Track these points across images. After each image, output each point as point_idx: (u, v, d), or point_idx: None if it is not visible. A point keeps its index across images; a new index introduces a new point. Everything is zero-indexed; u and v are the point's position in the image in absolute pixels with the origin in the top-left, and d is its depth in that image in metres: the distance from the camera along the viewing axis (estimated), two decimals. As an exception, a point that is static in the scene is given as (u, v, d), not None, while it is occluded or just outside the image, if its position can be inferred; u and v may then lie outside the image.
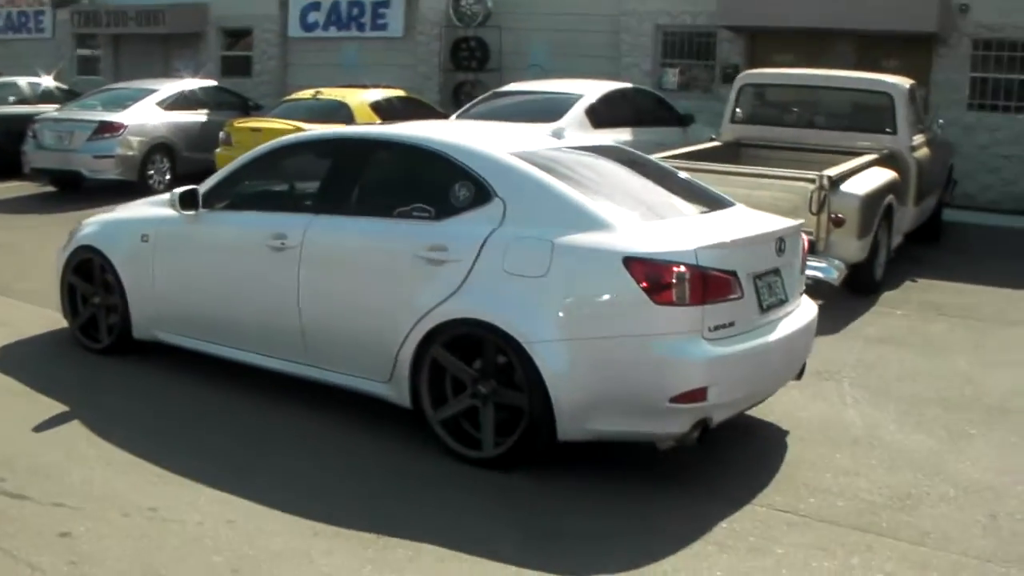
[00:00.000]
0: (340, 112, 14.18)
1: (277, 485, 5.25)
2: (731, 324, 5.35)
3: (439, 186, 5.85)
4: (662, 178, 6.43)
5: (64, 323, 7.84)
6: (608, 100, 13.00)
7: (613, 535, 4.90)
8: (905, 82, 11.47)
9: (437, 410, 5.69)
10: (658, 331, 5.15)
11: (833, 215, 9.02)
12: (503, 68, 19.01)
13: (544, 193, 5.60)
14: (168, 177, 15.58)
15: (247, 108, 17.27)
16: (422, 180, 6.06)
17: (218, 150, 14.17)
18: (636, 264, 5.15)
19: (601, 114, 12.64)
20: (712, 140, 11.82)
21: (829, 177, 9.04)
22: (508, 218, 5.54)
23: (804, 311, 6.10)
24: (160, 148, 15.43)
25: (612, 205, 5.62)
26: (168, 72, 21.83)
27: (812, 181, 9.01)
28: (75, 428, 5.96)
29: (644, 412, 5.23)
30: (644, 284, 5.12)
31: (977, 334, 8.86)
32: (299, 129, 13.03)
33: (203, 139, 16.05)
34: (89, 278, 7.49)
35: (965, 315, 9.49)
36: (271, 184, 6.98)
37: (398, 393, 5.84)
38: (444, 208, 5.78)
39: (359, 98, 14.62)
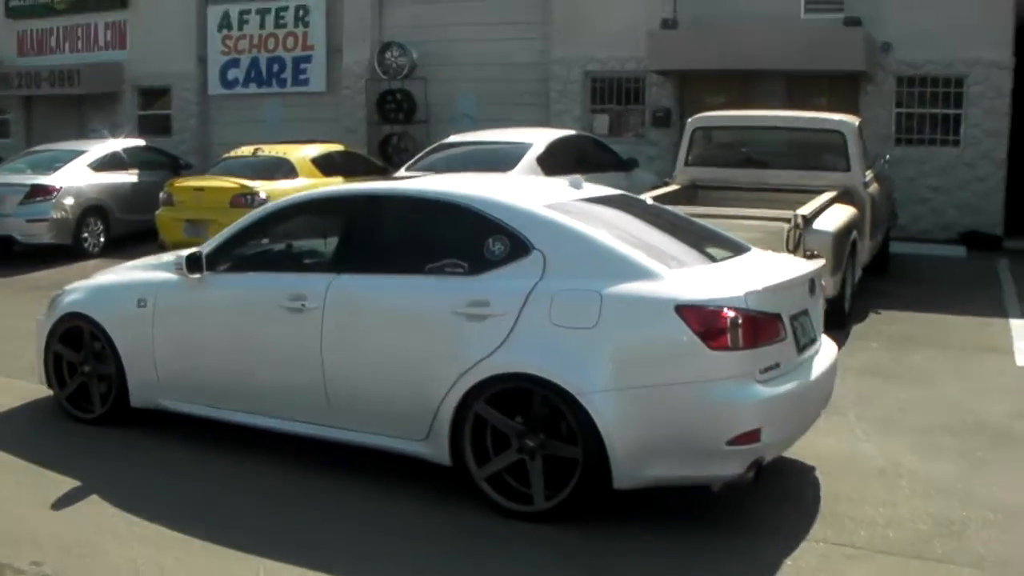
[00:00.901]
0: (282, 168, 14.03)
1: (338, 554, 5.08)
2: (777, 366, 5.40)
3: (471, 240, 5.78)
4: (680, 225, 6.47)
5: (42, 393, 7.58)
6: (556, 148, 13.06)
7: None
8: (854, 120, 11.79)
9: (481, 467, 5.58)
10: (713, 376, 5.17)
11: (808, 252, 9.13)
12: (430, 119, 19.02)
13: (584, 244, 5.58)
14: (102, 240, 15.19)
15: (177, 167, 17.00)
16: (452, 235, 5.97)
17: (159, 211, 13.82)
18: (689, 311, 5.15)
19: (551, 162, 12.68)
20: (666, 183, 11.93)
21: (804, 216, 9.18)
22: (549, 270, 5.50)
23: (827, 349, 6.17)
24: (93, 210, 15.07)
25: (649, 254, 5.60)
26: (83, 134, 21.31)
27: (788, 220, 9.13)
28: (95, 503, 5.70)
29: (701, 456, 5.23)
30: (698, 330, 5.13)
31: (956, 363, 9.06)
32: (244, 187, 12.92)
33: (136, 200, 15.75)
34: (77, 346, 7.20)
35: (937, 344, 9.70)
36: (281, 244, 6.79)
37: (436, 451, 5.72)
38: (478, 263, 5.70)
39: (300, 153, 14.48)
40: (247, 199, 13.16)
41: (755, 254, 6.24)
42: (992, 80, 15.56)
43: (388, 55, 18.93)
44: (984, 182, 15.77)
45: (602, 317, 5.28)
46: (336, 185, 7.25)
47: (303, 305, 6.05)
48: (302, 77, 20.00)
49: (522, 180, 6.97)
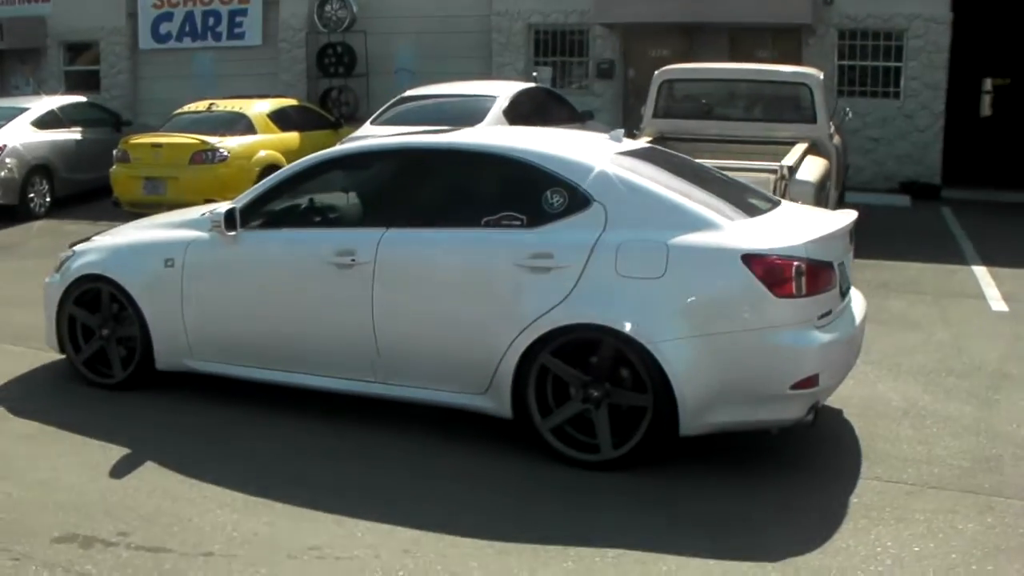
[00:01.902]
0: (239, 123, 13.81)
1: (422, 507, 5.12)
2: (829, 312, 5.58)
3: (528, 193, 5.82)
4: (712, 177, 6.57)
5: (48, 358, 7.49)
6: (519, 100, 13.09)
7: (764, 517, 5.07)
8: (819, 73, 12.04)
9: (545, 418, 5.66)
10: (778, 323, 5.34)
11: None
12: (370, 73, 18.84)
13: (644, 197, 5.68)
14: (48, 200, 14.77)
15: (119, 124, 16.53)
16: (508, 188, 6.01)
17: (113, 169, 13.51)
18: (755, 260, 5.31)
19: (515, 114, 12.71)
20: (635, 136, 12.04)
21: (789, 166, 9.40)
22: (611, 222, 5.58)
23: (858, 298, 6.38)
24: (39, 170, 14.58)
25: (705, 205, 5.72)
26: (5, 90, 20.64)
27: (774, 171, 9.33)
28: (154, 470, 5.59)
29: (765, 401, 5.41)
30: (764, 279, 5.29)
31: (936, 309, 9.42)
32: (205, 143, 12.71)
33: (81, 159, 15.35)
34: (93, 309, 7.04)
35: (913, 291, 10.07)
36: (321, 199, 6.67)
37: (496, 404, 5.79)
38: (537, 216, 5.76)
39: (256, 109, 14.25)
40: (208, 155, 12.96)
41: (790, 206, 6.40)
42: (931, 34, 16.01)
43: (328, 8, 18.67)
44: (923, 133, 16.25)
45: (669, 267, 5.40)
46: (375, 139, 7.12)
47: (353, 260, 6.02)
48: (237, 31, 19.61)
49: (569, 133, 6.97)
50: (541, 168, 5.82)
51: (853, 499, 5.30)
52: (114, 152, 13.62)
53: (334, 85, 18.85)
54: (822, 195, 9.95)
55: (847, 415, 6.55)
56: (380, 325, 5.99)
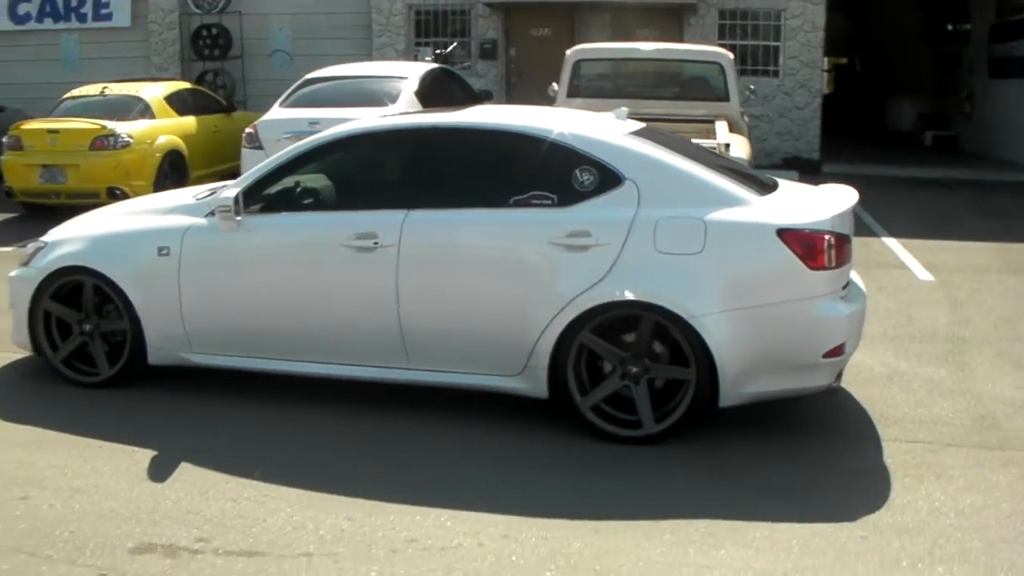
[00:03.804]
0: (136, 107, 13.31)
1: (491, 495, 5.09)
2: (848, 284, 5.85)
3: (558, 172, 5.86)
4: (713, 157, 6.73)
5: (8, 358, 7.17)
6: (426, 82, 13.02)
7: (821, 481, 5.30)
8: (729, 53, 12.39)
9: (584, 396, 5.74)
10: (812, 294, 5.58)
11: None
12: (244, 55, 18.44)
13: (675, 174, 5.81)
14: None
15: (-7, 110, 15.71)
16: (537, 167, 5.99)
17: (5, 157, 12.85)
18: (789, 235, 5.52)
19: (425, 96, 12.66)
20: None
21: (726, 143, 9.69)
22: (644, 200, 5.70)
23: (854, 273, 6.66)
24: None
25: (730, 182, 5.88)
26: None
27: (713, 149, 9.58)
28: (194, 470, 5.37)
29: (798, 370, 5.65)
30: (799, 252, 5.51)
31: (868, 278, 9.53)
32: (105, 128, 12.25)
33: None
34: (73, 303, 6.72)
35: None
36: (329, 181, 6.49)
37: (532, 385, 5.83)
38: (568, 194, 5.81)
39: (151, 92, 13.75)
40: (110, 141, 12.45)
41: (790, 184, 6.62)
42: (807, 15, 16.68)
43: (202, -12, 18.15)
44: (802, 110, 16.93)
45: (707, 243, 5.55)
46: (389, 117, 6.95)
47: (375, 243, 5.94)
48: (104, 12, 18.82)
49: (582, 112, 7.01)
50: (570, 147, 5.87)
51: (887, 459, 5.59)
52: (3, 139, 12.90)
53: (209, 68, 18.36)
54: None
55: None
56: (406, 309, 5.93)
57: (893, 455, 5.64)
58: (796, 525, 4.75)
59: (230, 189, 6.32)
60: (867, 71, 27.97)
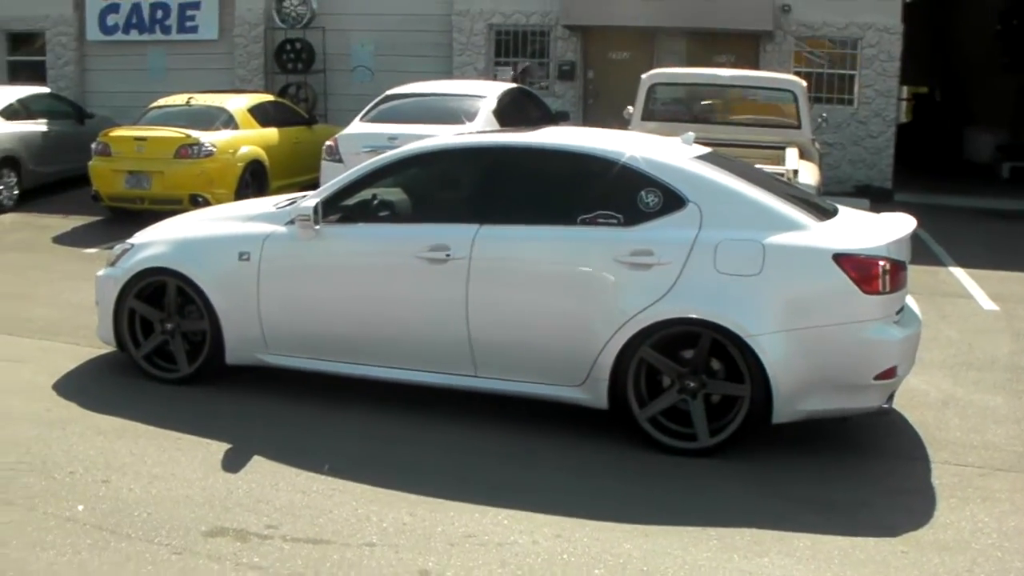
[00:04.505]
0: (220, 117, 13.74)
1: (549, 497, 5.32)
2: (903, 309, 5.99)
3: (624, 193, 6.10)
4: (776, 182, 6.90)
5: (90, 353, 7.58)
6: (505, 100, 13.28)
7: (867, 499, 5.46)
8: (802, 81, 12.51)
9: (643, 409, 5.95)
10: (865, 318, 5.75)
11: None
12: (327, 69, 18.88)
13: (736, 198, 6.01)
14: (16, 193, 14.50)
15: (82, 116, 16.32)
16: (604, 188, 6.23)
17: (92, 162, 13.37)
18: (845, 260, 5.70)
19: (503, 115, 12.92)
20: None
21: (794, 170, 9.82)
22: (706, 222, 5.90)
23: (910, 298, 6.79)
24: (7, 162, 14.30)
25: (790, 207, 6.06)
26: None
27: (781, 175, 9.72)
28: (266, 463, 5.66)
29: (850, 390, 5.82)
30: (854, 276, 5.68)
31: (933, 306, 9.85)
32: (190, 138, 12.69)
33: (47, 151, 15.14)
34: (156, 303, 7.07)
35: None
36: (405, 194, 6.81)
37: (592, 396, 6.05)
38: (633, 214, 6.04)
39: (236, 103, 14.20)
40: (194, 149, 12.90)
41: (850, 211, 6.76)
42: (884, 44, 16.70)
43: (287, 3, 18.64)
44: (876, 139, 16.94)
45: (766, 265, 5.75)
46: (465, 135, 7.24)
47: (447, 256, 6.21)
48: (189, 24, 19.39)
49: (649, 136, 7.23)
50: (637, 169, 6.11)
51: (935, 481, 5.72)
52: (92, 145, 13.42)
53: (291, 81, 18.83)
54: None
55: (894, 406, 6.93)
56: (474, 319, 6.19)
57: (941, 476, 5.77)
58: (839, 538, 4.91)
59: (310, 199, 6.63)
60: (947, 101, 27.77)
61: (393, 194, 6.81)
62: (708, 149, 6.81)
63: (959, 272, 11.53)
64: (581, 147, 6.45)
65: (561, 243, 6.12)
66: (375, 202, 6.73)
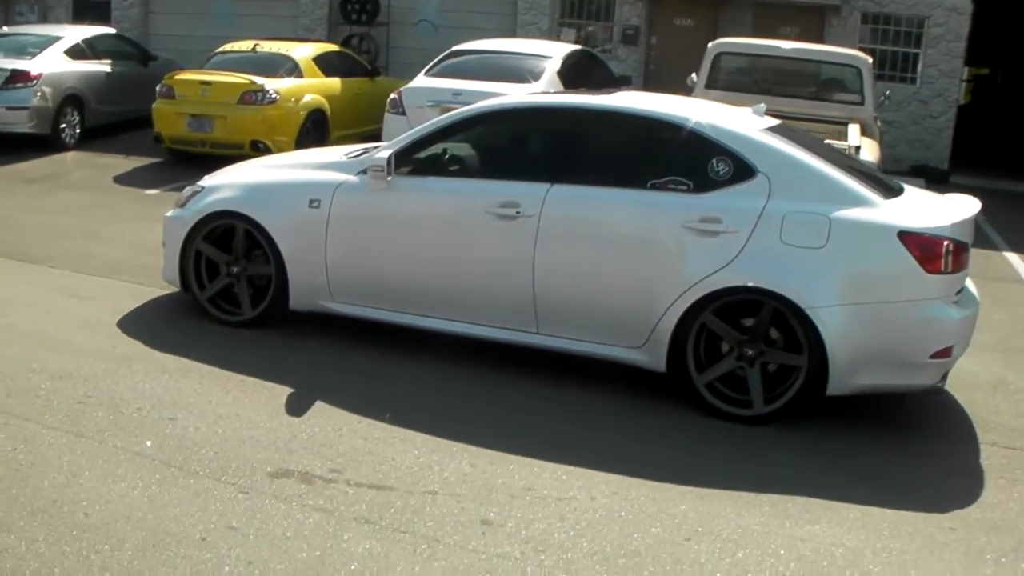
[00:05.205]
0: (285, 65, 13.85)
1: (607, 456, 5.42)
2: (962, 290, 6.02)
3: (695, 160, 6.16)
4: (844, 158, 6.92)
5: (158, 293, 7.75)
6: (569, 62, 13.29)
7: (916, 475, 5.55)
8: (867, 57, 12.43)
9: (701, 374, 6.04)
10: (925, 296, 5.80)
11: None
12: (391, 22, 18.94)
13: (805, 170, 6.05)
14: (78, 131, 14.72)
15: (146, 59, 16.51)
16: (675, 154, 6.31)
17: (156, 104, 13.54)
18: (910, 238, 5.74)
19: (567, 77, 12.95)
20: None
21: (856, 146, 9.82)
22: (774, 193, 5.95)
23: (969, 281, 6.81)
24: (71, 100, 14.50)
25: (857, 183, 6.10)
26: (9, 18, 20.39)
27: (844, 150, 9.72)
28: (329, 409, 5.76)
29: (906, 367, 5.89)
30: (917, 255, 5.72)
31: (985, 291, 9.61)
32: (254, 84, 12.82)
33: (110, 91, 15.37)
34: (223, 246, 7.18)
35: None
36: (478, 150, 6.89)
37: (651, 358, 6.15)
38: (703, 182, 6.11)
39: (301, 52, 14.31)
40: (258, 96, 13.03)
41: (915, 190, 6.78)
42: (951, 24, 16.53)
43: (355, -46, 18.71)
44: (936, 119, 16.81)
45: (831, 239, 5.81)
46: (539, 95, 7.34)
47: (517, 212, 6.30)
48: (256, -30, 19.54)
49: (723, 106, 7.26)
50: (708, 137, 6.16)
51: (983, 462, 5.78)
52: (157, 88, 13.59)
53: (355, 32, 18.92)
54: (880, 174, 10.36)
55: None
56: (540, 277, 6.29)
57: (989, 458, 5.83)
58: (888, 511, 4.99)
59: (383, 150, 6.72)
60: (1010, 85, 27.40)
61: (462, 150, 6.89)
62: (778, 121, 6.84)
63: (1013, 257, 11.51)
64: (654, 112, 6.51)
65: (630, 206, 6.20)
66: (445, 156, 6.82)
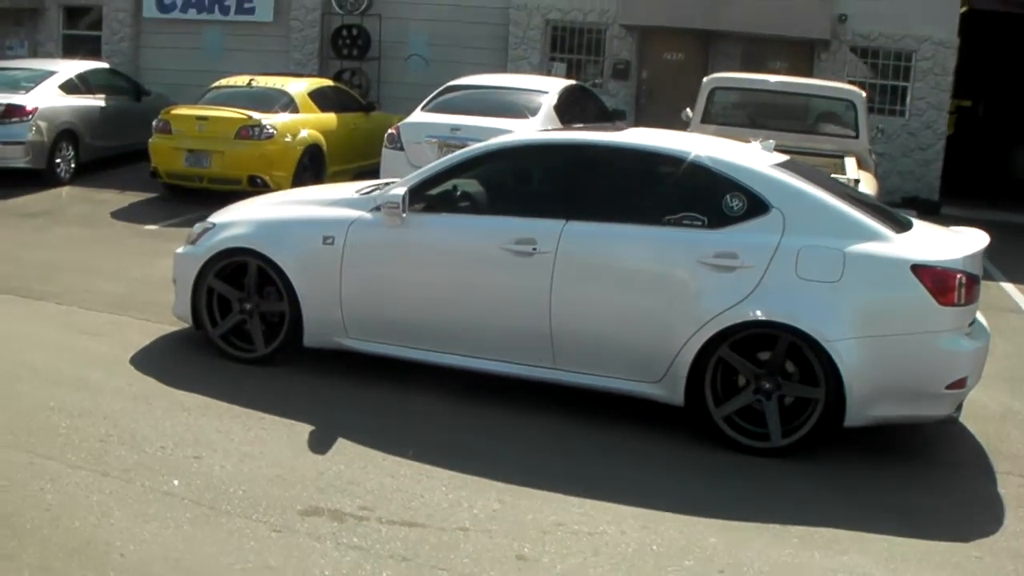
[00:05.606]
0: (281, 100, 13.88)
1: (631, 491, 5.46)
2: (974, 322, 6.11)
3: (709, 196, 6.25)
4: (853, 193, 7.02)
5: (163, 329, 7.74)
6: (565, 96, 13.38)
7: (937, 505, 5.64)
8: (862, 92, 12.60)
9: (719, 407, 6.09)
10: (939, 328, 5.91)
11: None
12: (382, 56, 19.03)
13: (818, 205, 6.15)
14: (73, 166, 14.71)
15: (139, 93, 16.54)
16: (689, 190, 6.40)
17: (152, 139, 13.56)
18: (924, 271, 5.84)
19: (563, 111, 13.03)
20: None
21: (855, 179, 9.93)
22: (788, 228, 6.04)
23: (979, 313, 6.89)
24: (66, 135, 14.49)
25: (869, 217, 6.19)
26: (0, 52, 20.41)
27: (846, 183, 9.83)
28: (352, 446, 5.77)
29: (921, 398, 5.98)
30: (931, 288, 5.82)
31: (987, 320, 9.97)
32: (251, 119, 12.87)
33: (104, 125, 15.35)
34: (235, 283, 7.19)
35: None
36: (492, 187, 6.96)
37: (669, 392, 6.20)
38: (718, 217, 6.19)
39: (297, 87, 14.37)
40: (255, 131, 13.06)
41: (924, 224, 6.88)
42: (938, 58, 16.76)
43: (345, -11, 18.82)
44: (925, 151, 17.00)
45: (845, 272, 5.90)
46: (552, 132, 7.43)
47: (533, 249, 6.35)
48: (247, 5, 19.57)
49: (733, 142, 7.35)
50: (722, 173, 6.25)
51: (1001, 491, 5.87)
52: (154, 123, 13.62)
53: (346, 67, 18.99)
54: (878, 207, 10.48)
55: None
56: (557, 313, 6.34)
57: (1006, 487, 5.92)
58: (914, 541, 5.06)
59: (398, 187, 6.78)
60: (991, 116, 27.69)
61: (474, 186, 6.95)
62: (786, 157, 6.92)
63: (1010, 288, 11.62)
64: (668, 149, 6.60)
65: (646, 242, 6.27)
66: (458, 193, 6.87)
